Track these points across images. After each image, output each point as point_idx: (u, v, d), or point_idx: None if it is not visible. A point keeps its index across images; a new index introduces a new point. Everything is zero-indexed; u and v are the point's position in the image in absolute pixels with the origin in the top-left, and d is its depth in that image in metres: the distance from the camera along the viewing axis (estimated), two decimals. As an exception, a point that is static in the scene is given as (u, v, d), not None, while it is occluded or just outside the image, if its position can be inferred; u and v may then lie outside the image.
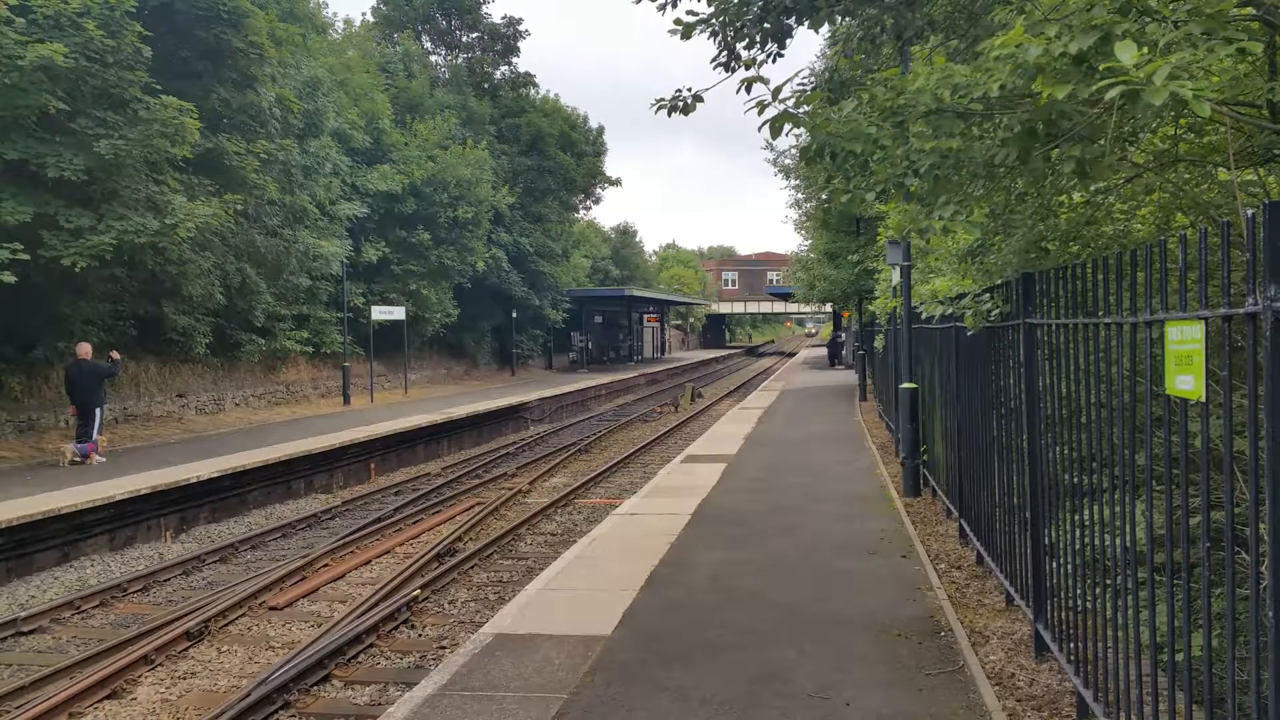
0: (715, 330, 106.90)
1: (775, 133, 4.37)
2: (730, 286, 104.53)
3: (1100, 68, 2.84)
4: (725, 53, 7.25)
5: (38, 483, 13.15)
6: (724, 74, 6.66)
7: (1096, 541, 4.43)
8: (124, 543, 12.47)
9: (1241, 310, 2.80)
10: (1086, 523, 4.56)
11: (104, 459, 15.09)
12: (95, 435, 15.14)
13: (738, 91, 5.03)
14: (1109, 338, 4.06)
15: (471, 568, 10.98)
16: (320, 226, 25.31)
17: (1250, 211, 2.72)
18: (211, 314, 21.32)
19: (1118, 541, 4.07)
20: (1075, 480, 4.76)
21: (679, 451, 17.85)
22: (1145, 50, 2.76)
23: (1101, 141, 3.46)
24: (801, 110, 4.31)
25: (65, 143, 14.67)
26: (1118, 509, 4.06)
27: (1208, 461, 3.16)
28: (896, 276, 12.28)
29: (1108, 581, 4.28)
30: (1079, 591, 4.77)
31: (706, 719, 4.93)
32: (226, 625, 9.01)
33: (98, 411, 15.30)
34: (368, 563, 11.44)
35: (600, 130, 50.40)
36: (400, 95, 35.28)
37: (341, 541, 12.15)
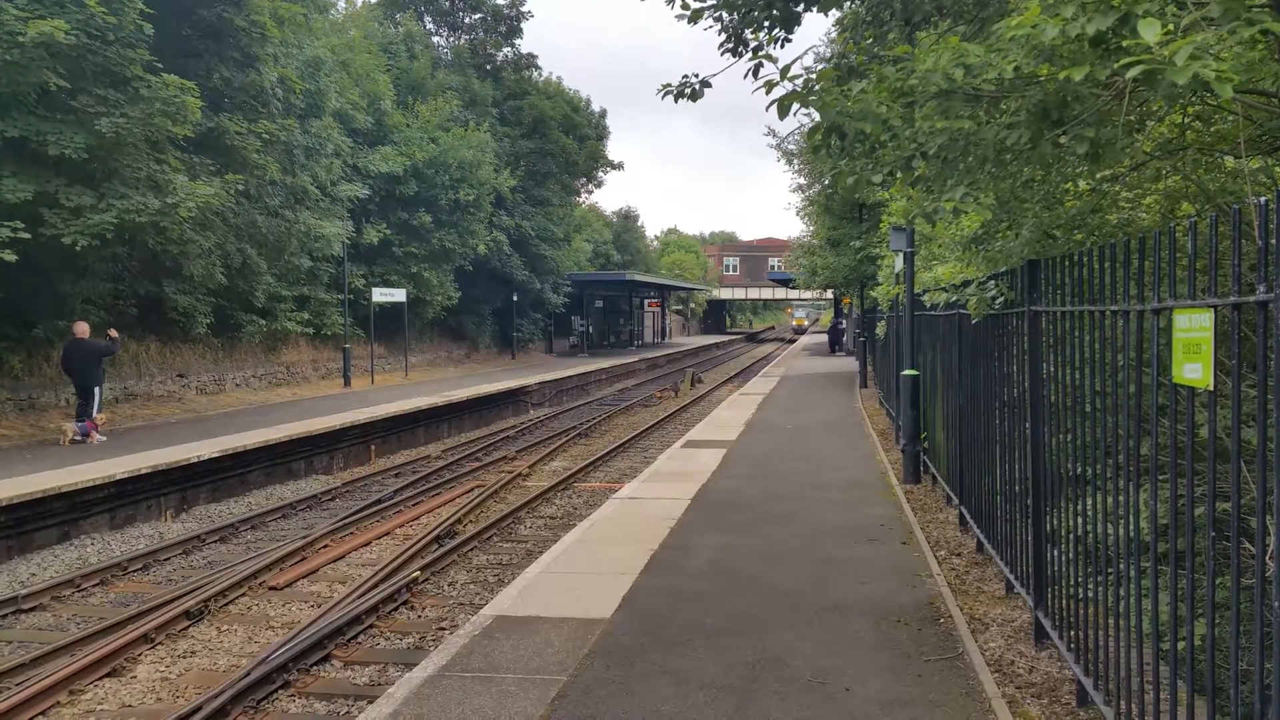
0: (716, 316, 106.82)
1: (783, 112, 4.34)
2: (732, 272, 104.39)
3: (1124, 44, 2.81)
4: (732, 39, 7.21)
5: (38, 461, 13.15)
6: (731, 59, 6.62)
7: (1098, 530, 4.42)
8: (124, 522, 12.48)
9: (1252, 299, 2.78)
10: (1088, 511, 4.56)
11: (104, 438, 15.10)
12: (95, 414, 15.13)
13: (745, 76, 4.99)
14: (1115, 325, 4.04)
15: (471, 550, 10.99)
16: (321, 207, 25.24)
17: (1263, 199, 2.70)
18: (212, 294, 21.27)
19: (1119, 530, 4.07)
20: (1079, 469, 4.76)
21: (679, 437, 17.86)
22: (1170, 28, 2.73)
23: (1112, 126, 3.43)
24: (814, 86, 4.27)
25: (66, 121, 14.59)
26: (1120, 498, 4.05)
27: (1214, 450, 3.15)
28: (900, 263, 12.25)
29: (1109, 570, 4.28)
30: (1079, 579, 4.77)
31: (706, 702, 4.94)
32: (226, 605, 9.03)
33: (96, 390, 15.29)
34: (368, 544, 11.46)
35: (602, 114, 50.21)
36: (402, 76, 35.12)
37: (341, 523, 12.16)
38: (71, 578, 9.79)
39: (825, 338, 59.11)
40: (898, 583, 7.12)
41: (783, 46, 7.38)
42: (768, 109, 4.41)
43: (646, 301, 67.15)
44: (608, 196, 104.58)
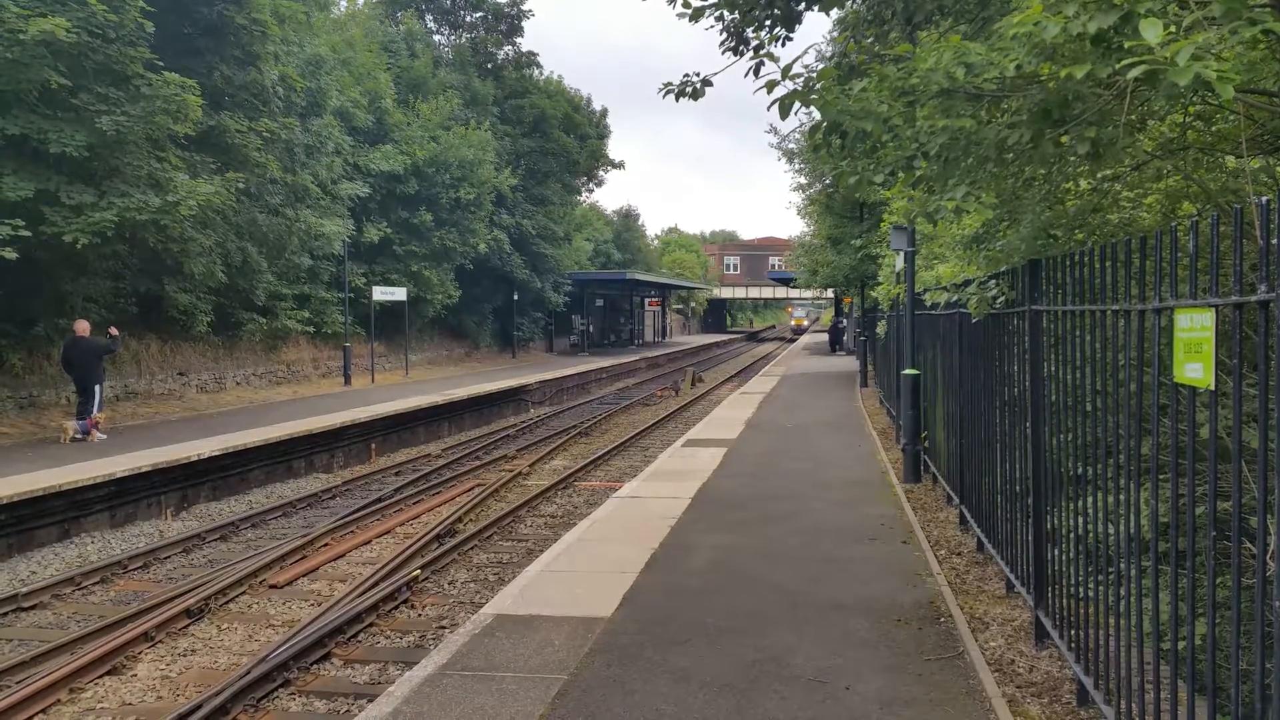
0: (716, 315, 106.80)
1: (785, 112, 4.33)
2: (732, 271, 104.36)
3: (1125, 44, 2.81)
4: (734, 38, 7.22)
5: (39, 459, 13.15)
6: (733, 58, 6.62)
7: (1098, 529, 4.42)
8: (124, 520, 12.49)
9: (1254, 298, 2.78)
10: (1089, 510, 4.56)
11: (105, 436, 15.10)
12: (95, 412, 15.14)
13: (746, 75, 4.98)
14: (1116, 325, 4.04)
15: (471, 549, 11.00)
16: (322, 206, 25.23)
17: (1264, 199, 2.70)
18: (213, 292, 21.27)
19: (1120, 529, 4.07)
20: (1080, 469, 4.75)
21: (679, 436, 17.85)
22: (1171, 29, 2.73)
23: (1113, 126, 3.43)
24: (815, 85, 4.27)
25: (67, 119, 14.59)
26: (1121, 497, 4.05)
27: (1215, 450, 3.15)
28: (900, 262, 12.25)
29: (1109, 569, 4.28)
30: (1080, 579, 4.77)
31: (706, 701, 4.94)
32: (227, 603, 9.03)
33: (97, 388, 15.29)
34: (368, 542, 11.47)
35: (603, 113, 50.23)
36: (403, 75, 35.10)
37: (342, 521, 12.17)
38: (72, 576, 9.79)
39: (825, 337, 59.15)
40: (898, 582, 7.12)
41: (784, 45, 7.40)
42: (769, 108, 4.41)
43: (647, 300, 67.16)
44: (608, 195, 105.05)
